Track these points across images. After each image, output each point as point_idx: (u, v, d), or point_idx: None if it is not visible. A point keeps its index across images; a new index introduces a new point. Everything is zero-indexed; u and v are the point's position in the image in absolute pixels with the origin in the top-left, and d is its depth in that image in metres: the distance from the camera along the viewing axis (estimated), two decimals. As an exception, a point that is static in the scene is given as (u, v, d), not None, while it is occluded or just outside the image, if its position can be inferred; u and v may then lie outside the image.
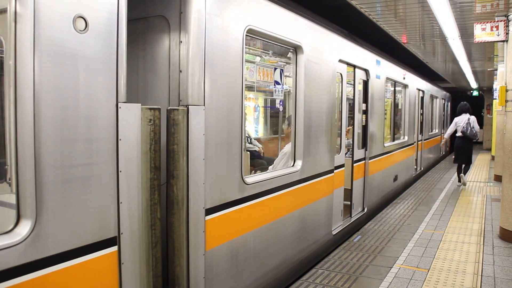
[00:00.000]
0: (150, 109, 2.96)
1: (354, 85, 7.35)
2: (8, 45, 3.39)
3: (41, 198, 2.27)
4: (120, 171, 2.71)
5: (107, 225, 2.65)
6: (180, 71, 3.40)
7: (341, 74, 6.61)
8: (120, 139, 2.70)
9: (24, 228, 2.21)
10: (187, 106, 3.31)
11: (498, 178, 11.81)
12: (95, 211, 2.57)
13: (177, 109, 3.25)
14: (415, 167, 13.10)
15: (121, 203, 2.73)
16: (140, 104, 2.87)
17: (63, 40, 2.36)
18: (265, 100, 8.41)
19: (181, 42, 3.40)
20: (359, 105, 7.68)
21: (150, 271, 2.99)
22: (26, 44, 2.20)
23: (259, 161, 6.80)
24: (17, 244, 2.16)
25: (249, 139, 7.15)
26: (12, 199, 3.18)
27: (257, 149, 7.25)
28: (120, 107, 2.69)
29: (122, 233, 2.74)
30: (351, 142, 7.56)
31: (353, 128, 7.53)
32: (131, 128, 2.78)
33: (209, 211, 3.55)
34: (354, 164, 7.37)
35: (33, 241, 2.22)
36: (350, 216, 7.17)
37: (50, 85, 2.30)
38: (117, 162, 2.70)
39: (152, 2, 3.54)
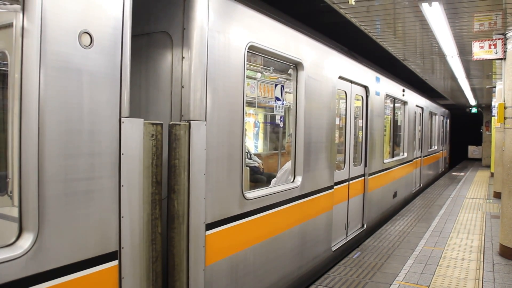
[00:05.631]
0: (153, 124, 2.99)
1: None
2: (13, 59, 3.43)
3: (44, 212, 2.27)
4: (122, 186, 2.73)
5: (108, 239, 2.66)
6: (182, 87, 3.44)
7: (345, 91, 6.66)
8: (122, 154, 2.72)
9: (26, 241, 2.21)
10: (189, 121, 3.34)
11: (497, 195, 11.81)
12: (96, 225, 2.58)
13: (179, 124, 3.28)
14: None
15: (122, 217, 2.74)
16: (142, 119, 2.90)
17: (69, 55, 2.40)
18: (265, 116, 8.44)
19: (184, 58, 3.44)
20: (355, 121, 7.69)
21: (150, 286, 2.98)
22: (32, 59, 2.23)
23: (259, 177, 6.81)
24: (19, 257, 2.16)
25: (248, 154, 7.16)
26: (13, 212, 3.19)
27: (256, 164, 7.25)
28: (123, 122, 2.72)
29: (123, 248, 2.74)
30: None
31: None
32: (133, 143, 2.80)
33: (209, 226, 3.55)
34: (352, 181, 7.35)
35: (34, 255, 2.23)
36: (346, 235, 7.16)
37: (55, 99, 2.33)
38: (119, 176, 2.71)
39: (155, 18, 3.59)
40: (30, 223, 2.24)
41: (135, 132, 2.82)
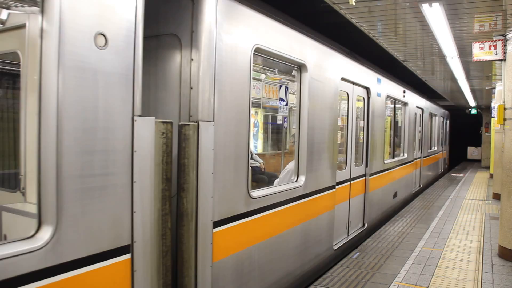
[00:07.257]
0: (163, 122, 3.07)
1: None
2: (25, 58, 3.52)
3: (62, 206, 2.36)
4: (135, 182, 2.81)
5: (121, 233, 2.75)
6: (191, 88, 3.52)
7: (347, 93, 6.74)
8: (135, 151, 2.81)
9: (45, 234, 2.30)
10: (197, 121, 3.42)
11: (496, 196, 11.88)
12: (111, 219, 2.66)
13: (188, 125, 3.36)
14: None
15: (134, 212, 2.82)
16: (154, 117, 2.99)
17: (85, 55, 2.49)
18: (268, 116, 8.52)
19: (192, 59, 3.52)
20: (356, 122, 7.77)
21: (161, 279, 3.07)
22: (51, 59, 2.31)
23: (260, 177, 6.89)
24: (39, 249, 2.25)
25: (250, 154, 7.23)
26: (26, 207, 3.29)
27: (258, 164, 7.34)
28: (135, 120, 2.80)
29: (135, 242, 2.83)
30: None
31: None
32: (145, 141, 2.89)
33: (216, 224, 3.64)
34: (353, 181, 7.42)
35: (53, 247, 2.31)
36: (347, 234, 7.25)
37: (72, 98, 2.41)
38: (132, 172, 2.80)
39: (165, 21, 3.68)
40: (49, 217, 2.32)
41: (147, 130, 2.90)
